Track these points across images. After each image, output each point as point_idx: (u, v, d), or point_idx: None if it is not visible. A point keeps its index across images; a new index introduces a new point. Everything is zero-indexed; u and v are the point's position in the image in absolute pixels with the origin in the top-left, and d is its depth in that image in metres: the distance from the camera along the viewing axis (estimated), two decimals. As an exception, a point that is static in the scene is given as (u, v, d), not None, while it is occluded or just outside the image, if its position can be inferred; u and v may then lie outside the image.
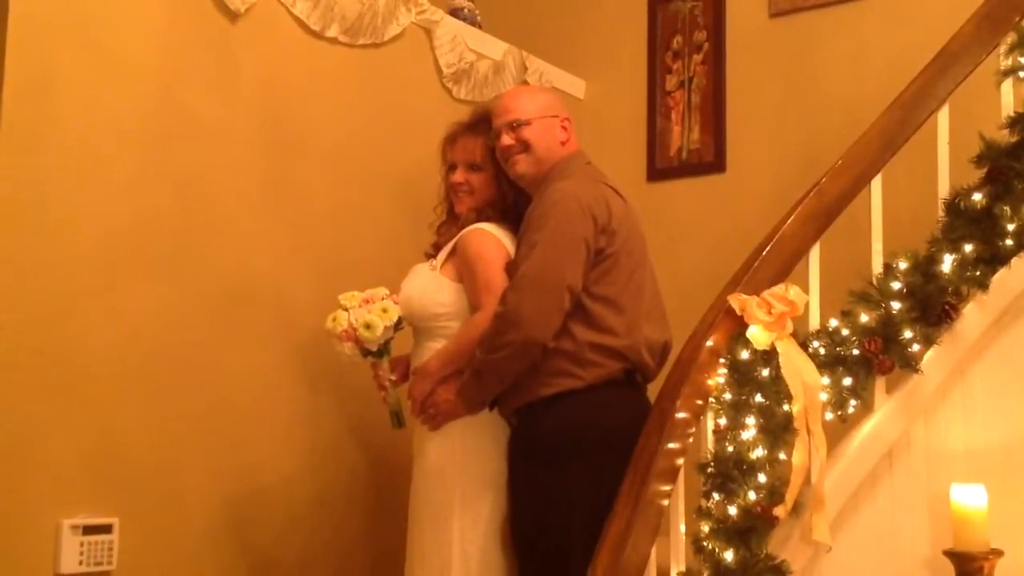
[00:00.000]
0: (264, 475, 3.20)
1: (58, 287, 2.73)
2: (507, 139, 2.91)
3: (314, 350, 2.97)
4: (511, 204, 2.99)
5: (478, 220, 2.97)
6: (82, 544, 2.72)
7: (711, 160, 4.21)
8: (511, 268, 2.83)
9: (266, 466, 3.21)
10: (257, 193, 3.24)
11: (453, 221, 3.06)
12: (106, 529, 2.77)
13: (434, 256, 3.05)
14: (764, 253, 2.70)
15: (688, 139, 4.26)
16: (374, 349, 2.94)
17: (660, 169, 4.31)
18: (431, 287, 2.95)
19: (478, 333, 2.77)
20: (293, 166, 3.35)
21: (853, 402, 2.66)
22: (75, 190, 2.78)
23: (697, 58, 4.27)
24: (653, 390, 2.75)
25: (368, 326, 2.88)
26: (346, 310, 2.92)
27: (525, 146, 2.89)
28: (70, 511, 2.72)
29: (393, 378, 3.01)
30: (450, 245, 2.98)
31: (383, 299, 2.93)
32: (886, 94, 2.92)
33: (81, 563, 2.71)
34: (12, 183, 2.66)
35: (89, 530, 2.74)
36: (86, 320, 2.79)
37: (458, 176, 3.04)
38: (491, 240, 2.92)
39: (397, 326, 2.95)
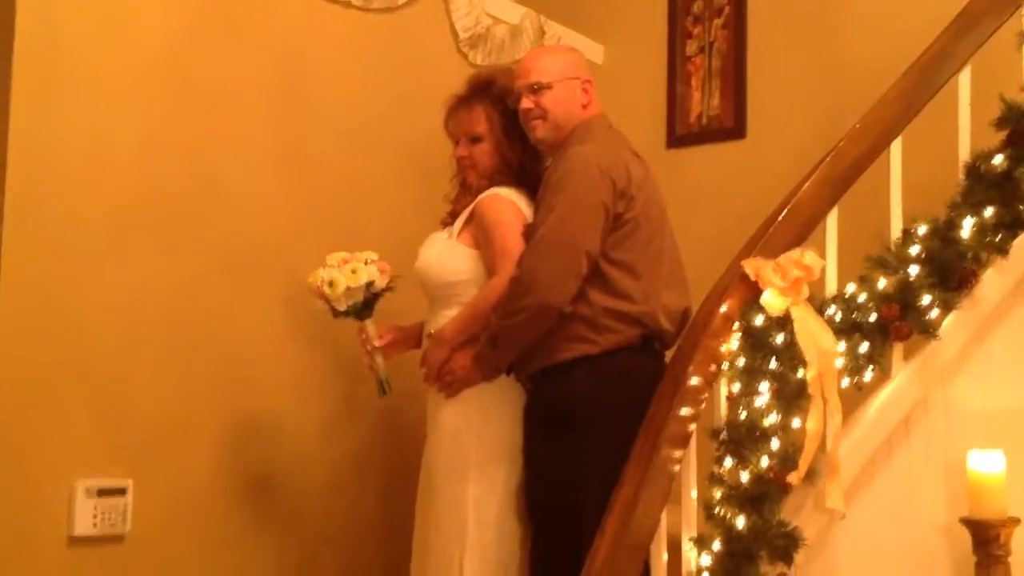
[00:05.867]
0: (277, 440, 3.20)
1: (69, 251, 2.73)
2: (527, 103, 2.88)
3: (325, 318, 2.95)
4: (520, 168, 2.96)
5: (491, 187, 2.94)
6: (96, 507, 2.72)
7: (731, 126, 4.14)
8: (528, 233, 2.81)
9: (279, 431, 3.20)
10: (268, 160, 3.21)
11: (467, 191, 3.03)
12: (120, 492, 2.78)
13: (451, 224, 3.02)
14: (780, 218, 2.67)
15: (708, 105, 4.21)
16: (342, 309, 2.90)
17: (680, 136, 4.26)
18: (448, 255, 2.93)
19: (495, 297, 2.75)
20: (305, 133, 3.32)
21: (870, 369, 2.63)
22: (84, 156, 2.76)
23: (718, 22, 4.20)
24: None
25: (331, 284, 2.85)
26: (325, 267, 2.90)
27: (543, 112, 2.86)
28: (84, 474, 2.72)
29: (377, 344, 2.96)
30: (467, 211, 2.95)
31: (365, 263, 2.89)
32: (910, 59, 2.86)
33: (95, 526, 2.72)
34: (21, 150, 2.64)
35: (103, 492, 2.74)
36: (98, 284, 2.78)
37: (460, 150, 3.01)
38: (508, 205, 2.89)
39: (369, 289, 2.89)
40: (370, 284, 2.88)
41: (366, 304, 2.92)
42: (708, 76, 4.21)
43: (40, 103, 2.68)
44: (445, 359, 2.83)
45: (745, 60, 4.13)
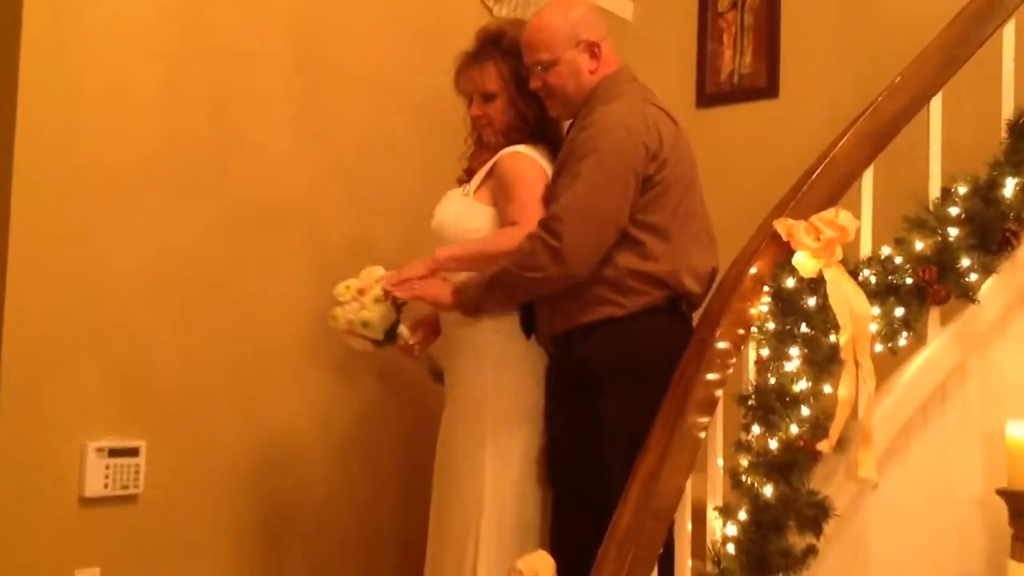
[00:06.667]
0: (294, 402, 3.16)
1: (84, 207, 2.69)
2: (534, 82, 2.78)
3: (344, 274, 2.89)
4: (537, 123, 2.86)
5: (508, 144, 2.85)
6: (108, 467, 2.69)
7: (763, 85, 4.05)
8: (550, 194, 2.72)
9: (296, 392, 3.17)
10: (288, 114, 3.16)
11: (483, 149, 2.94)
12: (132, 452, 2.74)
13: (467, 181, 2.94)
14: (814, 176, 2.57)
15: (740, 63, 4.11)
16: (381, 339, 2.81)
17: (710, 94, 4.16)
18: (465, 213, 2.85)
19: (509, 245, 2.65)
20: (325, 87, 3.27)
21: (904, 333, 2.53)
22: (100, 110, 2.72)
23: (751, -23, 4.09)
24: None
25: (366, 324, 2.75)
26: (342, 305, 2.79)
27: (551, 91, 2.77)
28: (96, 433, 2.69)
29: (413, 342, 2.86)
30: (486, 168, 2.86)
31: (377, 282, 2.78)
32: (950, 12, 2.74)
33: (107, 486, 2.69)
34: (32, 97, 2.59)
35: (115, 453, 2.71)
36: (113, 240, 2.74)
37: (474, 109, 2.92)
38: (530, 163, 2.80)
39: (396, 304, 2.78)
40: (395, 300, 2.78)
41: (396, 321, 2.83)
42: (740, 33, 4.11)
43: (53, 56, 2.63)
44: (421, 277, 2.75)
45: (779, 16, 4.03)
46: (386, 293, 2.75)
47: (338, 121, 3.29)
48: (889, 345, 2.53)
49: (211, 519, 2.94)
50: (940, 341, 2.59)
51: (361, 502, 3.32)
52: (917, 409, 2.58)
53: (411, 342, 2.86)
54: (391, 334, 2.82)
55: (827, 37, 3.91)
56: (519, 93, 2.85)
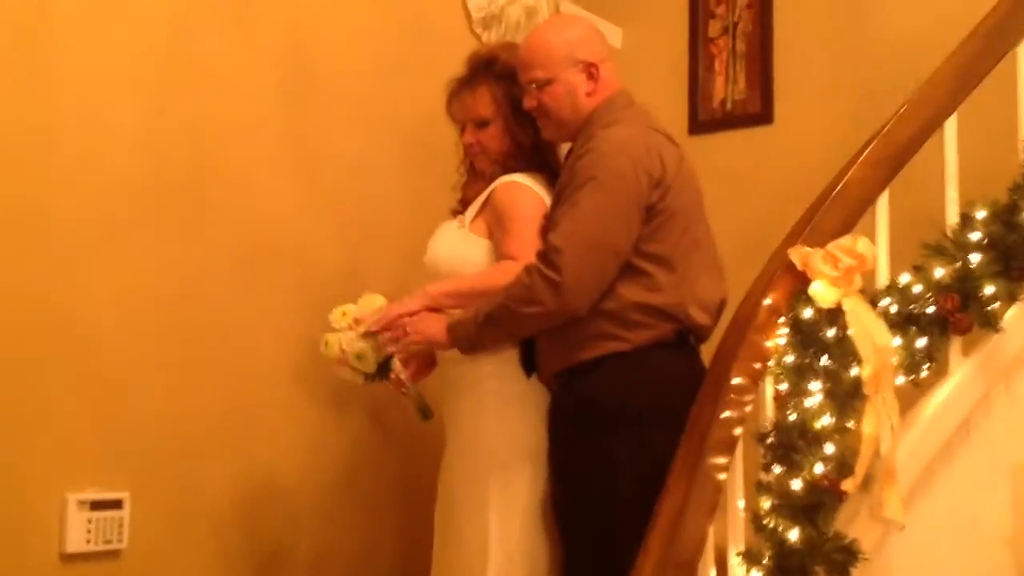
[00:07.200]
0: (285, 447, 3.05)
1: (63, 242, 2.59)
2: (529, 101, 2.68)
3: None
4: (534, 149, 2.76)
5: (504, 172, 2.74)
6: (90, 521, 2.58)
7: (757, 111, 3.98)
8: (548, 223, 2.61)
9: (288, 437, 3.06)
10: (275, 142, 3.08)
11: (477, 178, 2.84)
12: (116, 504, 2.63)
13: (461, 212, 2.83)
14: (827, 202, 2.48)
15: (733, 89, 4.04)
16: (373, 371, 2.70)
17: (703, 121, 4.08)
18: (460, 246, 2.74)
19: (505, 281, 2.53)
20: (314, 115, 3.18)
21: (927, 365, 2.44)
22: (78, 138, 2.62)
23: (742, 1, 4.03)
24: (707, 352, 2.55)
25: (359, 357, 2.65)
26: (336, 332, 2.69)
27: (546, 111, 2.66)
28: (77, 485, 2.58)
29: (404, 377, 2.74)
30: (482, 198, 2.76)
31: (376, 311, 2.68)
32: (949, 39, 2.67)
33: (89, 541, 2.57)
34: (9, 129, 2.49)
35: (97, 505, 2.59)
36: (93, 278, 2.64)
37: (467, 137, 2.81)
38: (527, 194, 2.70)
39: None
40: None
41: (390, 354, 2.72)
42: (732, 59, 4.05)
43: (28, 80, 2.53)
44: (410, 313, 2.62)
45: (772, 41, 3.97)
46: (372, 333, 2.64)
47: (326, 152, 3.21)
48: (911, 377, 2.44)
49: (199, 573, 2.82)
50: (963, 372, 2.50)
51: (357, 548, 3.21)
52: (941, 445, 2.48)
53: (402, 376, 2.74)
54: (384, 368, 2.71)
55: (822, 61, 3.85)
56: (515, 118, 2.74)
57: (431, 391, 2.83)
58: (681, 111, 4.11)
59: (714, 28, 4.09)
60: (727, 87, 4.06)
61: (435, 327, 2.61)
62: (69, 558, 2.54)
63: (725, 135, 4.05)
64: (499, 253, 2.67)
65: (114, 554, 2.63)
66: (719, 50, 4.09)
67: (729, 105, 4.05)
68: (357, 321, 2.67)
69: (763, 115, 3.96)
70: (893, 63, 3.54)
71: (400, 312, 2.64)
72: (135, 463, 2.68)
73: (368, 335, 2.65)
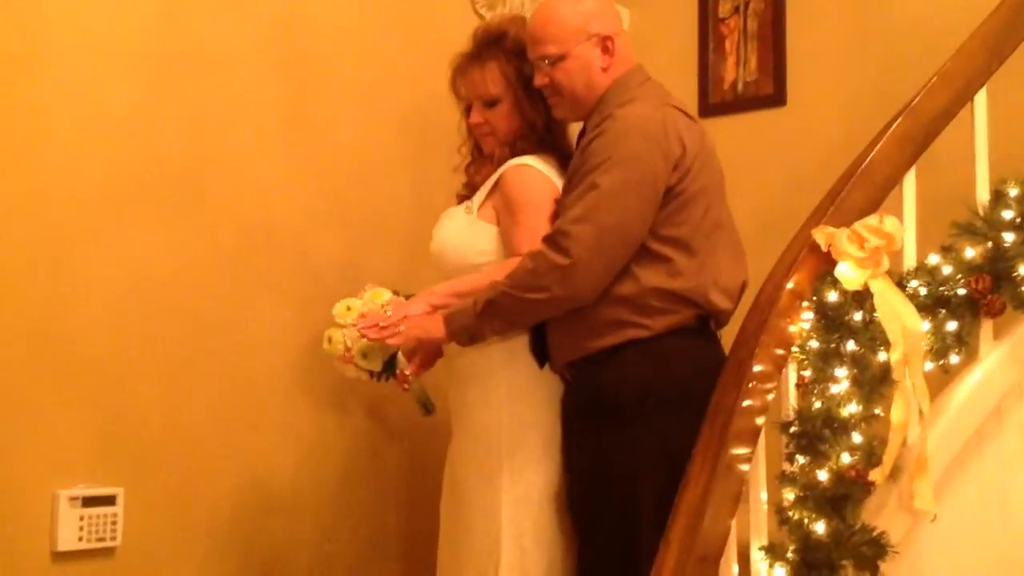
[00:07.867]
0: (283, 441, 2.99)
1: (53, 233, 2.56)
2: (540, 78, 2.56)
3: (335, 303, 2.73)
4: (546, 130, 2.65)
5: (513, 154, 2.63)
6: (82, 518, 2.54)
7: (770, 93, 3.85)
8: (560, 208, 2.50)
9: (285, 428, 3.00)
10: (274, 129, 3.01)
11: (484, 159, 2.73)
12: (109, 500, 2.58)
13: (468, 197, 2.71)
14: (851, 180, 2.38)
15: (744, 71, 3.93)
16: (380, 369, 2.62)
17: (713, 104, 3.96)
18: (468, 233, 2.63)
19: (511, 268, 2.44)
20: (313, 100, 3.11)
21: (957, 349, 2.34)
22: (71, 125, 2.59)
23: (753, -20, 3.93)
24: (726, 337, 2.45)
25: (365, 354, 2.58)
26: (341, 327, 2.61)
27: (558, 89, 2.55)
28: (68, 481, 2.53)
29: (408, 372, 2.64)
30: (490, 182, 2.64)
31: (383, 305, 2.58)
32: (972, 15, 2.58)
33: (81, 539, 2.54)
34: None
35: (90, 502, 2.55)
36: (85, 269, 2.60)
37: (474, 116, 2.69)
38: (539, 180, 2.58)
39: None
40: None
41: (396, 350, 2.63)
42: (743, 39, 3.94)
43: (19, 65, 2.50)
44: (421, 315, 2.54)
45: (784, 20, 3.83)
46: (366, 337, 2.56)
47: (325, 137, 3.14)
48: (941, 362, 2.35)
49: (196, 572, 2.76)
50: (995, 357, 2.41)
51: (359, 546, 3.14)
52: (972, 432, 2.39)
53: (407, 371, 2.64)
54: (390, 364, 2.62)
55: (836, 40, 3.73)
56: (526, 96, 2.62)
57: (434, 382, 2.75)
58: (690, 94, 3.99)
59: (724, 8, 3.98)
60: (738, 69, 3.96)
61: (431, 324, 2.52)
62: (61, 556, 2.51)
63: (736, 118, 3.92)
64: (507, 245, 2.57)
65: (108, 552, 2.59)
66: (729, 31, 3.98)
67: (740, 87, 3.94)
68: (363, 316, 2.58)
69: (776, 97, 3.84)
70: (913, 43, 3.42)
71: (404, 316, 2.55)
72: (129, 457, 2.64)
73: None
